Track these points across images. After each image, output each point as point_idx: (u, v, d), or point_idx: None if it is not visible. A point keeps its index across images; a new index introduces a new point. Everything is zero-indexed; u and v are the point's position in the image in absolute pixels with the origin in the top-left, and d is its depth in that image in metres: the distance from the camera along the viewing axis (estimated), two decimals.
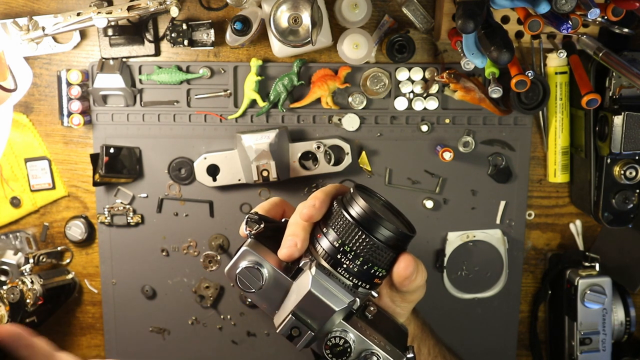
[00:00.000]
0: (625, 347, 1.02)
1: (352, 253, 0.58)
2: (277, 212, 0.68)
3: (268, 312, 0.60)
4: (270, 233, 0.61)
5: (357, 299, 0.58)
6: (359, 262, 0.58)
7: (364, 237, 0.57)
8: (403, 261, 0.59)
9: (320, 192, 0.62)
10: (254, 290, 0.59)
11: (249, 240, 0.61)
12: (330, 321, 0.57)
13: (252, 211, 0.64)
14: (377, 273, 0.59)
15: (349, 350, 0.57)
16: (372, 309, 0.60)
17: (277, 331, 0.58)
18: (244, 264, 0.59)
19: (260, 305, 0.60)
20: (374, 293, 0.60)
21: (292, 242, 0.59)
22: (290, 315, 0.57)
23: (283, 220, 0.64)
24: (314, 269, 0.57)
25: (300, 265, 0.59)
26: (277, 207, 0.68)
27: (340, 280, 0.58)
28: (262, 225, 0.61)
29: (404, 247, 0.61)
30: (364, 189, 0.62)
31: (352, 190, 0.60)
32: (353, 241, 0.58)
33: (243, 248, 0.59)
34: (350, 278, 0.58)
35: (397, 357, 0.58)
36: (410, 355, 0.59)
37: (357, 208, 0.58)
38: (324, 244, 0.59)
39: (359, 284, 0.59)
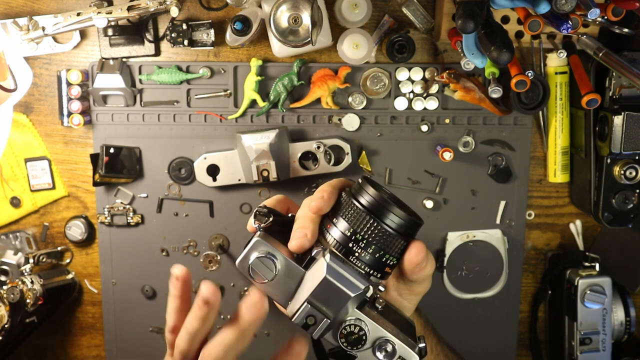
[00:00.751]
0: (625, 347, 1.02)
1: (364, 241, 0.58)
2: (281, 208, 0.68)
3: (281, 302, 0.60)
4: (278, 227, 0.61)
5: (371, 286, 0.58)
6: (371, 250, 0.58)
7: (375, 224, 0.57)
8: (415, 247, 0.60)
9: (328, 185, 0.62)
10: (267, 280, 0.58)
11: (259, 232, 0.60)
12: (344, 309, 0.57)
13: (260, 205, 0.63)
14: (389, 261, 0.59)
15: (364, 338, 0.57)
16: (381, 301, 0.60)
17: (292, 320, 0.57)
18: (255, 254, 0.58)
19: (272, 296, 0.60)
20: (381, 287, 0.60)
21: (302, 234, 0.59)
22: (306, 304, 0.56)
23: (290, 215, 0.64)
24: (328, 256, 0.57)
25: (313, 254, 0.59)
26: (282, 204, 0.68)
27: (353, 268, 0.58)
28: (270, 219, 0.61)
29: (413, 236, 0.61)
30: (370, 181, 0.62)
31: (360, 181, 0.61)
32: (365, 229, 0.58)
33: (255, 239, 0.59)
34: (362, 267, 0.58)
35: (410, 345, 0.58)
36: (422, 344, 0.59)
37: (367, 196, 0.58)
38: (335, 233, 0.59)
39: (371, 272, 0.59)
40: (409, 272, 0.61)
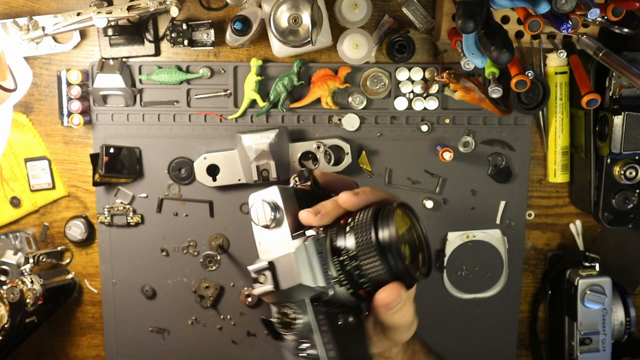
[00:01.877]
0: (625, 347, 1.02)
1: (356, 260, 0.56)
2: (337, 187, 0.64)
3: (259, 250, 0.60)
4: (310, 196, 0.61)
5: (330, 291, 0.56)
6: (354, 264, 0.57)
7: (376, 259, 0.56)
8: (389, 287, 0.56)
9: (371, 190, 0.60)
10: (259, 225, 0.58)
11: (287, 186, 0.60)
12: (297, 291, 0.56)
13: (309, 169, 0.63)
14: (365, 285, 0.57)
15: (291, 326, 0.56)
16: (350, 319, 0.58)
17: (249, 267, 0.57)
18: (266, 197, 0.58)
19: (256, 241, 0.60)
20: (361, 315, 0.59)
21: (315, 211, 0.58)
22: (265, 263, 0.56)
23: (332, 195, 0.62)
24: (310, 241, 0.57)
25: (307, 230, 0.58)
26: (346, 185, 0.64)
27: (328, 266, 0.57)
28: (308, 183, 0.60)
29: (403, 282, 0.58)
30: (406, 208, 0.60)
31: (393, 205, 0.58)
32: (364, 257, 0.56)
33: (278, 186, 0.58)
34: (339, 272, 0.57)
35: None
36: None
37: (386, 231, 0.56)
38: (340, 235, 0.58)
39: (344, 282, 0.57)
40: (376, 310, 0.58)
